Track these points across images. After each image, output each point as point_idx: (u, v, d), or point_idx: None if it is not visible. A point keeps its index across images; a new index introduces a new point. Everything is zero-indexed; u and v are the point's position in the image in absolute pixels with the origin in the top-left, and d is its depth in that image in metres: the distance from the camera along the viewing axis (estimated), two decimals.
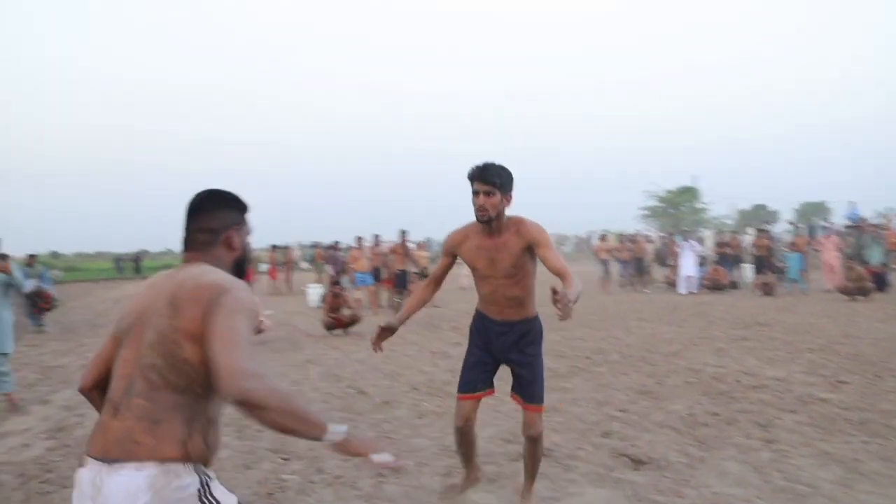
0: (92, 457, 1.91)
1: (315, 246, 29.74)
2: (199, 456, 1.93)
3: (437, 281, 4.03)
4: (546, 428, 5.53)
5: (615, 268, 21.85)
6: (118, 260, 49.76)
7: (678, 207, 57.01)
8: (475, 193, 3.48)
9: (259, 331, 11.13)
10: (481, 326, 3.87)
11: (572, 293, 3.04)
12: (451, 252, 3.82)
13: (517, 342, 3.76)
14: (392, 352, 9.80)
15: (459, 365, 7.75)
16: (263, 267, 31.06)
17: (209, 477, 1.94)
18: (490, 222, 3.53)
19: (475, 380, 3.83)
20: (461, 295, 19.79)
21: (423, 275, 17.82)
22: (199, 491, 1.90)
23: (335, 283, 12.94)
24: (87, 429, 6.15)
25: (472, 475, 4.17)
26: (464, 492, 4.18)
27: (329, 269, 18.99)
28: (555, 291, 2.94)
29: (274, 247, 26.86)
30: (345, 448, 1.88)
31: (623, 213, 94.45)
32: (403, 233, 14.82)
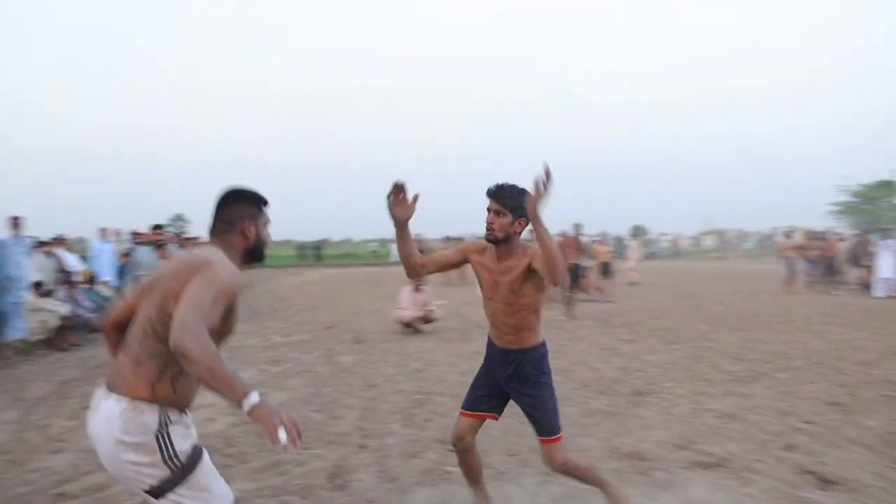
0: (104, 382, 2.42)
1: None
2: (166, 399, 2.33)
3: (433, 261, 3.68)
4: (721, 435, 5.28)
5: (801, 267, 20.50)
6: (301, 248, 52.25)
7: (875, 203, 52.72)
8: (487, 209, 3.41)
9: (429, 320, 11.35)
10: (488, 350, 3.78)
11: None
12: (463, 256, 3.65)
13: (515, 374, 3.61)
14: (561, 346, 9.67)
15: (631, 363, 7.55)
16: None
17: (170, 420, 2.32)
18: (496, 242, 3.44)
19: (478, 399, 3.75)
20: (633, 290, 19.27)
21: (605, 271, 17.48)
22: (156, 429, 2.28)
23: None
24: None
25: (479, 500, 3.92)
26: None
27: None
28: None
29: (447, 238, 27.28)
30: (257, 417, 2.02)
31: (809, 209, 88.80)
32: (577, 226, 14.56)
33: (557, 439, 3.61)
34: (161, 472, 2.29)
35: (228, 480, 4.32)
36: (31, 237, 11.10)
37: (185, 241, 15.87)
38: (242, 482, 4.52)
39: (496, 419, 3.85)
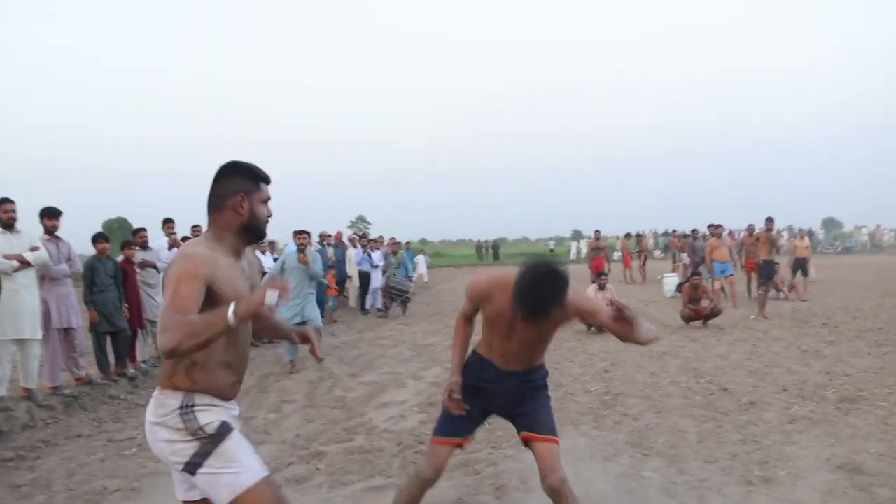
0: None
1: (670, 233, 29.02)
2: (187, 387, 2.44)
3: (469, 320, 3.47)
4: None
5: None
6: (479, 247, 52.78)
7: None
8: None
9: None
10: (479, 371, 3.41)
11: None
12: (477, 303, 3.33)
13: (519, 387, 3.38)
14: (756, 348, 9.16)
15: (836, 367, 7.01)
16: (617, 255, 31.00)
17: (195, 403, 2.43)
18: None
19: (461, 423, 3.38)
20: (830, 288, 17.92)
21: (799, 267, 16.34)
22: (179, 409, 2.41)
23: (694, 272, 12.39)
24: None
25: None
26: None
27: (686, 258, 18.39)
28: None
29: (627, 234, 26.65)
30: (246, 314, 2.16)
31: None
32: (769, 220, 13.70)
33: (558, 441, 3.31)
34: (191, 447, 2.40)
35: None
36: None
37: (369, 242, 16.47)
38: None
39: (469, 444, 3.56)
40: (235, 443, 2.45)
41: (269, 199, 2.62)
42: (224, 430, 2.44)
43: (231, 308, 2.16)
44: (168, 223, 9.64)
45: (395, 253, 15.52)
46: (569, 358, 8.93)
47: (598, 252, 18.98)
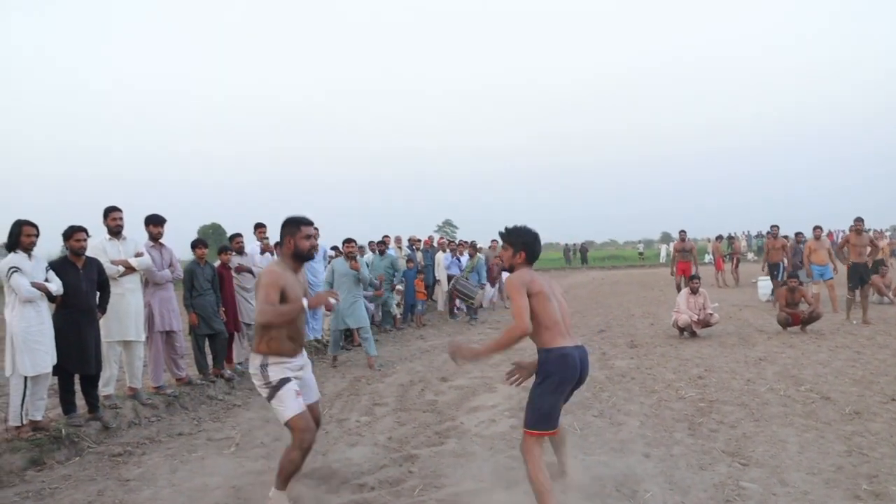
0: None
1: (765, 235, 28.15)
2: (264, 350, 4.16)
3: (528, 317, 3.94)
4: None
5: None
6: (566, 250, 52.32)
7: None
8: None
9: (708, 324, 10.83)
10: (569, 359, 3.92)
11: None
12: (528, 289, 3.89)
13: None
14: (859, 355, 8.80)
15: None
16: (708, 258, 30.28)
17: (268, 361, 4.15)
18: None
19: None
20: None
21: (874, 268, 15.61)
22: (260, 367, 4.17)
23: (791, 275, 11.98)
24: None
25: None
26: None
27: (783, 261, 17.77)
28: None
29: (719, 237, 26.01)
30: (314, 305, 4.32)
31: None
32: (858, 221, 13.02)
33: (529, 433, 3.93)
34: (265, 390, 4.17)
35: (513, 482, 4.41)
36: (325, 245, 12.15)
37: (457, 246, 16.50)
38: (527, 484, 4.53)
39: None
40: (287, 392, 4.12)
41: (309, 234, 4.27)
42: (281, 384, 4.12)
43: (305, 302, 4.14)
44: (260, 228, 9.94)
45: (471, 257, 15.46)
46: (661, 363, 8.76)
47: (685, 255, 17.28)
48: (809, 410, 6.15)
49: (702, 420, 5.99)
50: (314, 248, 4.49)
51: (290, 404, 4.10)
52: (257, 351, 4.17)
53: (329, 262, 12.45)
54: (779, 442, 5.27)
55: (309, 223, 4.31)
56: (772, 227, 16.28)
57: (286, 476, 4.19)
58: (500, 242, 4.18)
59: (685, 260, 17.16)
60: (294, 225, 4.25)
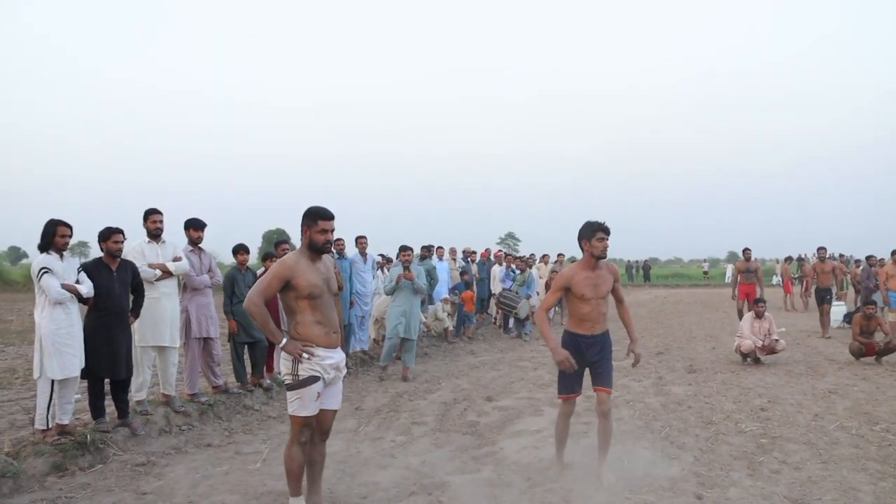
0: None
1: (837, 258, 26.98)
2: (294, 337, 4.17)
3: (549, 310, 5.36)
4: None
5: None
6: (629, 267, 51.37)
7: None
8: (601, 239, 4.94)
9: (773, 350, 10.21)
10: (577, 342, 5.05)
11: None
12: (565, 287, 5.07)
13: (602, 349, 5.07)
14: None
15: None
16: (776, 279, 29.19)
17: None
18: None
19: (576, 382, 5.10)
20: None
21: None
22: (293, 358, 4.14)
23: (867, 302, 11.22)
24: (591, 438, 6.05)
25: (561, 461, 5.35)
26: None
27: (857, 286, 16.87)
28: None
29: (788, 258, 25.03)
30: (285, 349, 4.13)
31: None
32: None
33: (612, 391, 5.09)
34: (289, 378, 4.16)
35: None
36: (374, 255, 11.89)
37: (515, 260, 16.10)
38: None
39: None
40: (308, 391, 4.12)
41: (325, 229, 4.21)
42: (307, 382, 4.12)
43: (283, 341, 4.16)
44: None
45: (522, 271, 15.02)
46: (721, 392, 8.22)
47: (749, 276, 14.93)
48: (886, 454, 5.58)
49: (763, 458, 5.49)
50: (329, 242, 4.26)
51: (305, 404, 4.14)
52: (290, 336, 4.19)
53: (378, 270, 12.19)
54: (850, 490, 4.75)
55: (327, 217, 4.24)
56: (819, 249, 15.48)
57: (294, 477, 4.24)
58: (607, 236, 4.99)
59: (749, 282, 14.93)
60: (311, 217, 4.23)
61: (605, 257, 5.01)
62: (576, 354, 4.92)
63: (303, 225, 4.23)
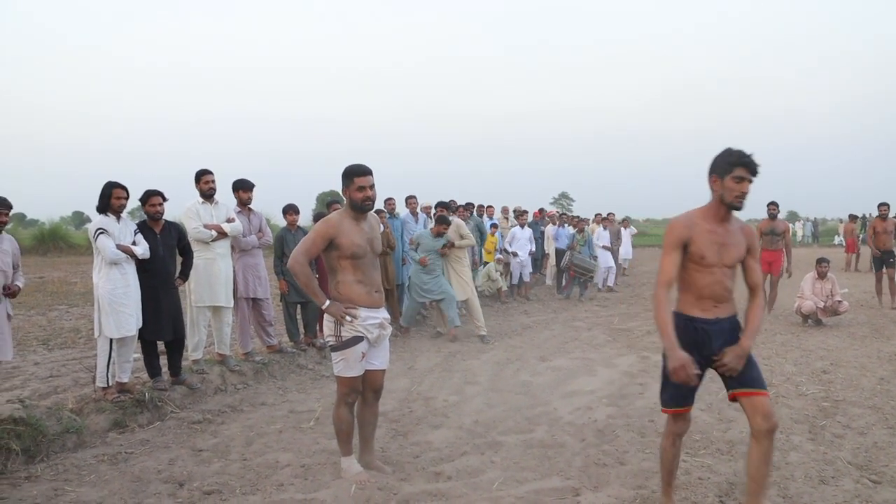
0: None
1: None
2: (335, 297, 4.13)
3: (671, 285, 3.43)
4: None
5: None
6: None
7: None
8: (741, 180, 3.27)
9: (836, 312, 9.91)
10: (687, 331, 3.41)
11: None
12: (682, 243, 3.38)
13: (729, 339, 3.41)
14: None
15: None
16: (838, 239, 28.41)
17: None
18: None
19: (690, 391, 3.51)
20: None
21: None
22: (335, 320, 4.12)
23: None
24: (647, 399, 5.97)
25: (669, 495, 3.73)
26: None
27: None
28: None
29: (852, 216, 24.25)
30: (328, 311, 4.09)
31: None
32: None
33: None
34: (332, 340, 4.15)
35: (603, 482, 3.99)
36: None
37: (571, 219, 15.93)
38: (618, 487, 4.09)
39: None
40: (353, 351, 4.12)
41: (362, 185, 4.10)
42: (351, 342, 4.11)
43: (326, 303, 4.11)
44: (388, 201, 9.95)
45: (581, 231, 14.83)
46: (781, 354, 8.03)
47: (773, 241, 11.25)
48: None
49: (825, 423, 5.34)
50: (368, 199, 4.14)
51: (350, 364, 4.14)
52: (332, 297, 4.14)
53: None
54: None
55: (362, 173, 4.13)
56: (880, 205, 12.94)
57: (344, 438, 4.27)
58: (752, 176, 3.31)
59: (773, 248, 11.26)
60: (347, 176, 4.15)
61: (740, 207, 3.33)
62: (692, 348, 3.32)
63: (343, 186, 4.18)
